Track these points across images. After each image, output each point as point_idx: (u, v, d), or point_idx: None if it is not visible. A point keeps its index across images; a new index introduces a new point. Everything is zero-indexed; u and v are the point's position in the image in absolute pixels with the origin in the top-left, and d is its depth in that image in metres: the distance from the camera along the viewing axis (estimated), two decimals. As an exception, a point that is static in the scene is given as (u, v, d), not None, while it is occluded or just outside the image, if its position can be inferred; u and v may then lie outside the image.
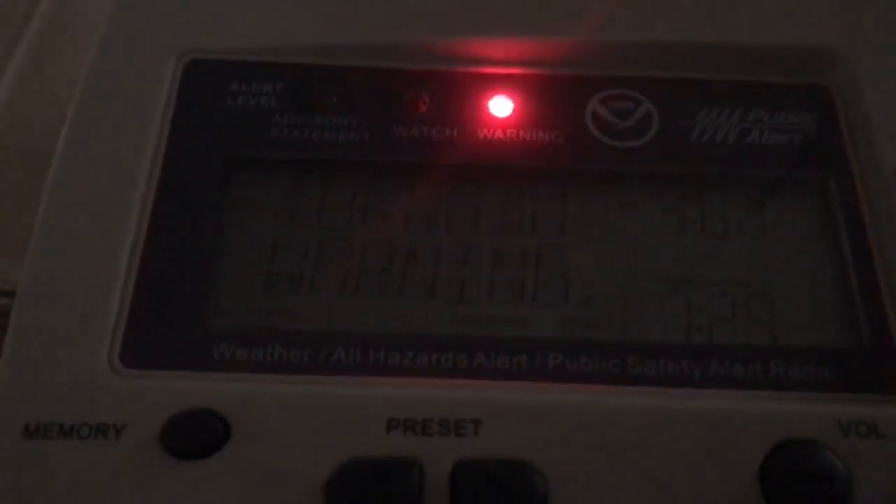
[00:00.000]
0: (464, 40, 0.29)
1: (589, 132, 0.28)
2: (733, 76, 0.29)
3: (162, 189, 0.27)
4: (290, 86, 0.29)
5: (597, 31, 0.29)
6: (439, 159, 0.28)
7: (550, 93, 0.29)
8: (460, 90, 0.29)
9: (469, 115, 0.29)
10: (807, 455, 0.23)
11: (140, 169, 0.27)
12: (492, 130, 0.28)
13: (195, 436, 0.23)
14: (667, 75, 0.29)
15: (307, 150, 0.28)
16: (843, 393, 0.24)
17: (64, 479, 0.23)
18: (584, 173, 0.28)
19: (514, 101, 0.29)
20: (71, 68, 0.31)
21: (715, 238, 0.27)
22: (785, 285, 0.26)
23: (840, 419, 0.23)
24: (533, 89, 0.29)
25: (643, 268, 0.27)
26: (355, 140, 0.28)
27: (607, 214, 0.28)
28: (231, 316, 0.26)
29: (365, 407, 0.23)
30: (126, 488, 0.23)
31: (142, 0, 0.30)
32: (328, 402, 0.24)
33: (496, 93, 0.29)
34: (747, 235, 0.27)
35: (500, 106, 0.29)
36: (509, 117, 0.29)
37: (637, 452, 0.23)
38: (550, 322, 0.26)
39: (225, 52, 0.29)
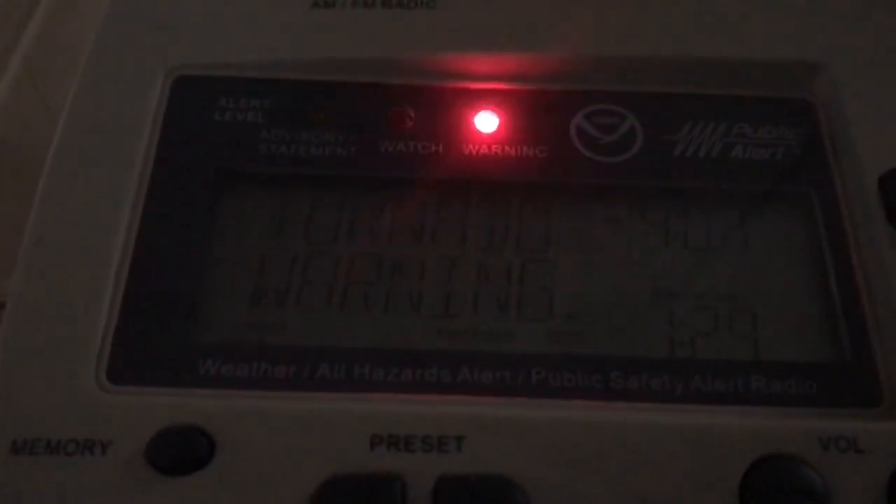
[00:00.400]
0: (449, 56, 0.30)
1: (574, 147, 0.29)
2: (717, 91, 0.29)
3: (150, 205, 0.27)
4: (278, 101, 0.29)
5: (581, 47, 0.29)
6: (425, 174, 0.28)
7: (535, 108, 0.29)
8: (446, 105, 0.29)
9: (455, 130, 0.29)
10: (786, 470, 0.23)
11: (128, 185, 0.27)
12: (477, 145, 0.29)
13: (180, 452, 0.23)
14: (651, 90, 0.29)
15: (294, 166, 0.28)
16: (824, 408, 0.24)
17: (50, 495, 0.23)
18: (568, 188, 0.28)
19: (499, 117, 0.29)
20: (65, 80, 0.31)
21: (699, 252, 0.27)
22: (768, 299, 0.27)
23: (820, 434, 0.23)
24: (518, 105, 0.29)
25: (627, 282, 0.27)
26: (342, 155, 0.28)
27: (592, 229, 0.28)
28: (217, 332, 0.26)
29: (349, 423, 0.24)
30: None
31: (130, 17, 0.30)
32: (313, 418, 0.24)
33: (482, 108, 0.29)
34: (731, 249, 0.27)
35: (486, 121, 0.29)
36: (495, 132, 0.29)
37: (619, 468, 0.23)
38: (535, 336, 0.26)
39: (213, 69, 0.30)
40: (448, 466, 0.23)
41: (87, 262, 0.26)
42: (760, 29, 0.30)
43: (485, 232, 0.28)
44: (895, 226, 0.26)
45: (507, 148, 0.28)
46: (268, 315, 0.26)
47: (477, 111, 0.29)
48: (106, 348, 0.25)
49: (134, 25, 0.30)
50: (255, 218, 0.28)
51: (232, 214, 0.28)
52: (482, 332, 0.26)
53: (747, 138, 0.29)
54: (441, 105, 0.29)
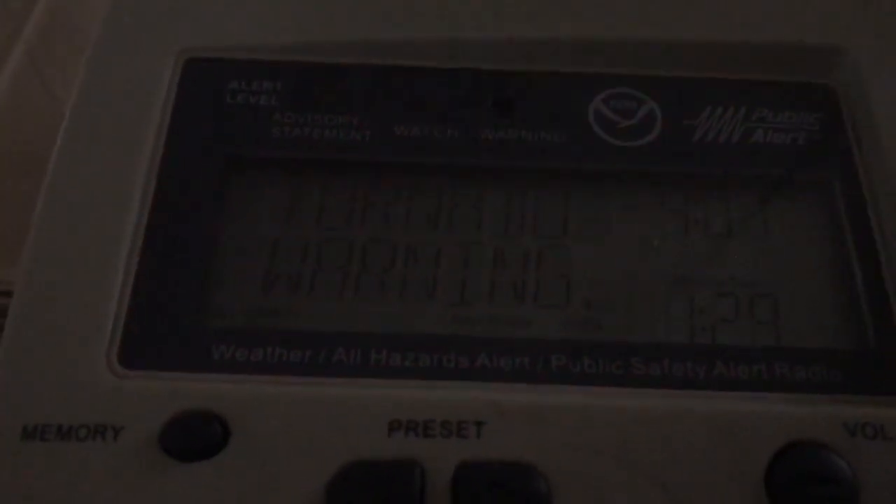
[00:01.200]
0: (466, 38, 0.29)
1: (592, 131, 0.28)
2: (737, 75, 0.29)
3: (160, 189, 0.27)
4: (291, 84, 0.29)
5: (600, 30, 0.29)
6: (440, 159, 0.28)
7: (553, 92, 0.29)
8: (462, 89, 0.29)
9: (471, 113, 0.28)
10: (813, 457, 0.22)
11: (138, 169, 0.27)
12: (494, 130, 0.28)
13: (194, 437, 0.23)
14: (670, 74, 0.29)
15: (307, 150, 0.28)
16: (849, 394, 0.24)
17: (62, 481, 0.22)
18: (586, 173, 0.28)
19: (516, 100, 0.28)
20: (69, 68, 0.30)
21: (719, 238, 0.27)
22: (789, 286, 0.26)
23: (846, 421, 0.23)
24: (535, 88, 0.29)
25: (646, 268, 0.27)
26: (356, 139, 0.28)
27: (610, 214, 0.27)
28: (230, 317, 0.25)
29: (366, 408, 0.23)
30: (124, 490, 0.22)
31: (139, -1, 0.30)
32: (329, 403, 0.23)
33: (498, 92, 0.29)
34: (751, 236, 0.27)
35: (503, 105, 0.28)
36: (511, 117, 0.28)
37: (641, 454, 0.23)
38: (553, 323, 0.26)
39: (224, 51, 0.29)
40: (468, 452, 0.23)
41: (98, 247, 0.26)
42: (781, 13, 0.30)
43: (501, 218, 0.27)
44: (920, 211, 0.26)
45: (523, 132, 0.28)
46: (281, 300, 0.26)
47: (494, 94, 0.29)
48: (118, 333, 0.24)
49: (143, 8, 0.30)
50: (268, 202, 0.27)
51: (244, 198, 0.27)
52: (499, 319, 0.26)
53: (768, 123, 0.28)
54: (457, 88, 0.29)
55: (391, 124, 0.28)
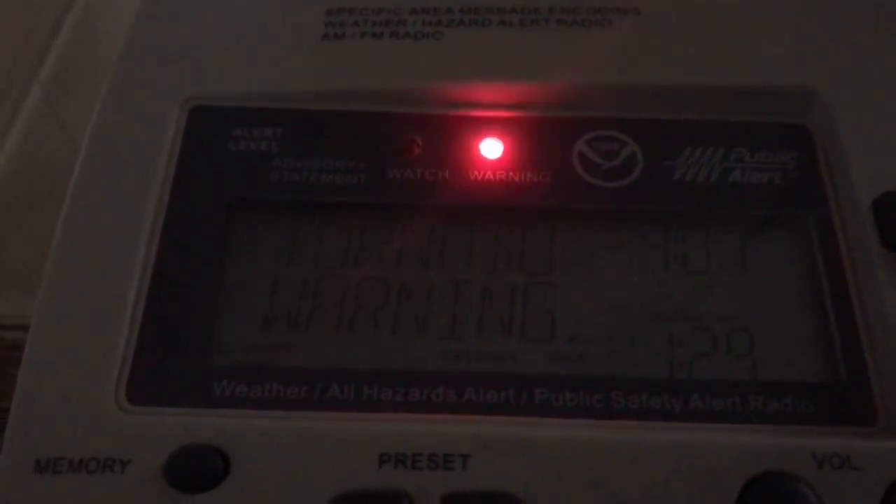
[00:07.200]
0: (456, 85, 0.31)
1: (576, 173, 0.29)
2: (715, 117, 0.30)
3: (167, 231, 0.28)
4: (290, 130, 0.30)
5: (583, 76, 0.30)
6: (432, 200, 0.29)
7: (538, 135, 0.30)
8: (452, 133, 0.30)
9: (461, 157, 0.30)
10: (782, 487, 0.23)
11: (146, 212, 0.28)
12: (482, 172, 0.29)
13: (196, 470, 0.24)
14: (651, 116, 0.30)
15: (305, 193, 0.29)
16: (819, 426, 0.25)
17: (72, 513, 0.24)
18: (571, 212, 0.29)
19: (503, 144, 0.30)
20: (85, 109, 0.32)
21: (698, 274, 0.28)
22: (765, 320, 0.27)
23: (815, 451, 0.24)
24: (522, 132, 0.30)
25: (628, 304, 0.28)
26: (351, 182, 0.29)
27: (593, 252, 0.28)
28: (232, 354, 0.27)
29: (358, 442, 0.24)
30: (131, 521, 0.24)
31: (146, 48, 0.32)
32: (323, 437, 0.25)
33: (487, 135, 0.30)
34: (729, 272, 0.28)
35: (491, 148, 0.30)
36: (499, 159, 0.30)
37: (618, 485, 0.24)
38: (538, 357, 0.27)
39: (227, 99, 0.31)
40: (453, 484, 0.24)
41: (107, 287, 0.27)
42: (758, 56, 0.31)
43: (489, 255, 0.28)
44: (888, 247, 0.27)
45: (511, 174, 0.29)
46: (280, 338, 0.27)
47: (482, 138, 0.30)
48: (125, 370, 0.26)
49: (150, 58, 0.32)
50: (268, 244, 0.29)
51: (245, 240, 0.29)
52: (487, 354, 0.27)
53: (745, 163, 0.29)
54: (447, 133, 0.30)
55: (385, 167, 0.29)
